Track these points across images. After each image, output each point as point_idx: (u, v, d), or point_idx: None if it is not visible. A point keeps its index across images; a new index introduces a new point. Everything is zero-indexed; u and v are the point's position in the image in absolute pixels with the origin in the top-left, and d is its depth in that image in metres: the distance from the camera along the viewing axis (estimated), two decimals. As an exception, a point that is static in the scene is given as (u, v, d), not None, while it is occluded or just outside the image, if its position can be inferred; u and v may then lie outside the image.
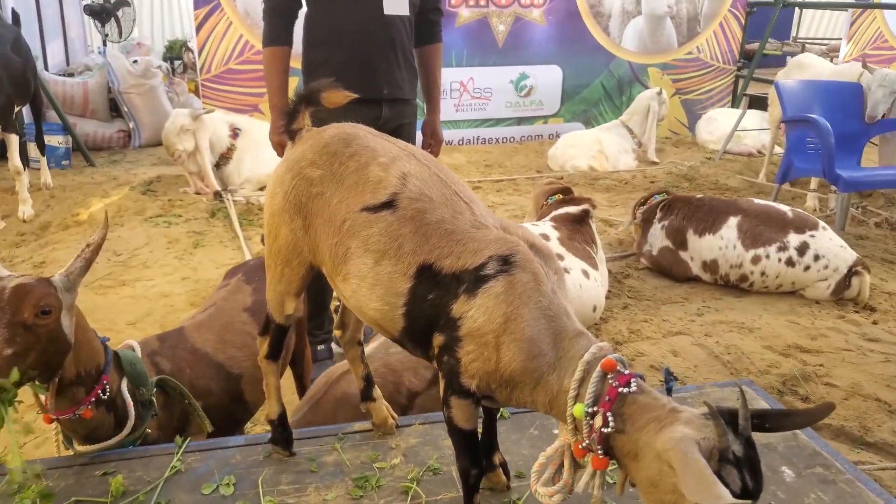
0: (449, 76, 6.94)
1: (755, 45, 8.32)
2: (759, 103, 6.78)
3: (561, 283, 1.20)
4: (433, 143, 2.86)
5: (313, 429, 1.69)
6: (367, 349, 1.88)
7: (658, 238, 4.01)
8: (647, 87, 7.19)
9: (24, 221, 4.95)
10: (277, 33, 2.58)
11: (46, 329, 1.36)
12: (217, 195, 5.47)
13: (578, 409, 1.08)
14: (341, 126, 1.38)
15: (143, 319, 3.53)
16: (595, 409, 1.07)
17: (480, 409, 1.31)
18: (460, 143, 7.19)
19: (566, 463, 1.15)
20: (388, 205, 1.21)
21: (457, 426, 1.21)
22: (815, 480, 1.51)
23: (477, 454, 1.25)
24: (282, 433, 1.56)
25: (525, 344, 1.12)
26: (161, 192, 5.69)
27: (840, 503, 1.44)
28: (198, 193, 5.57)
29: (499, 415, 1.68)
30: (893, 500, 1.44)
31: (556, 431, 1.68)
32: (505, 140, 7.33)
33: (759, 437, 1.68)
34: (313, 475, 1.51)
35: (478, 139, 7.27)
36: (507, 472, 1.48)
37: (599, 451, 1.08)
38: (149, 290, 3.86)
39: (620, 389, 1.07)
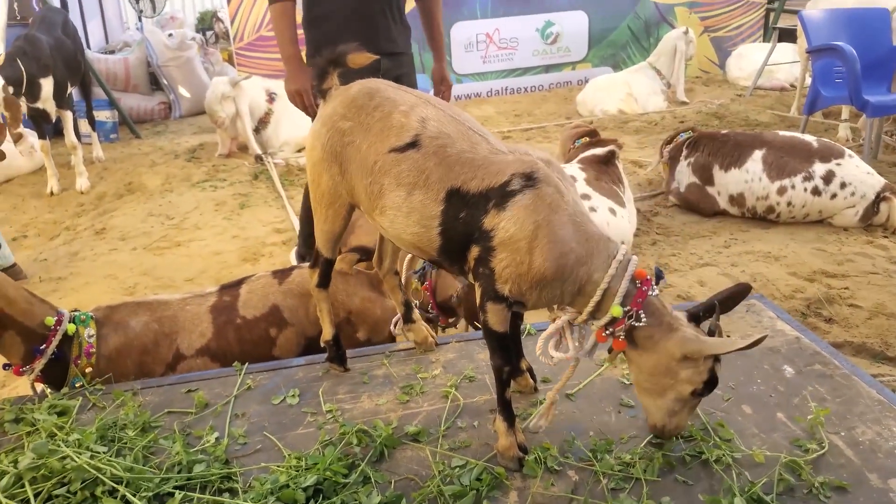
0: (475, 28, 6.98)
1: (789, -25, 8.05)
2: (789, 36, 6.62)
3: (576, 193, 1.39)
4: (443, 89, 3.01)
5: (364, 349, 1.92)
6: None
7: (685, 175, 4.09)
8: (674, 28, 7.10)
9: (82, 193, 5.30)
10: None
11: None
12: (258, 159, 5.72)
13: (617, 310, 1.31)
14: (364, 82, 1.56)
15: (199, 276, 3.81)
16: (629, 308, 1.31)
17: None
18: (489, 94, 7.26)
19: (567, 335, 1.41)
20: (413, 145, 1.40)
21: (491, 329, 1.40)
22: (814, 376, 1.67)
23: (509, 353, 1.44)
24: (337, 352, 1.79)
25: (557, 244, 1.30)
26: (205, 158, 5.97)
27: (835, 393, 1.60)
28: (228, 155, 5.86)
29: (525, 332, 1.89)
30: (885, 388, 1.59)
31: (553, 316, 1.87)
32: (533, 89, 7.37)
33: (764, 343, 1.84)
34: (366, 385, 1.74)
35: (506, 90, 7.32)
36: (533, 377, 1.68)
37: (621, 337, 1.33)
38: (202, 249, 4.15)
39: (649, 294, 1.31)
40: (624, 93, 6.27)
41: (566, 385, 1.69)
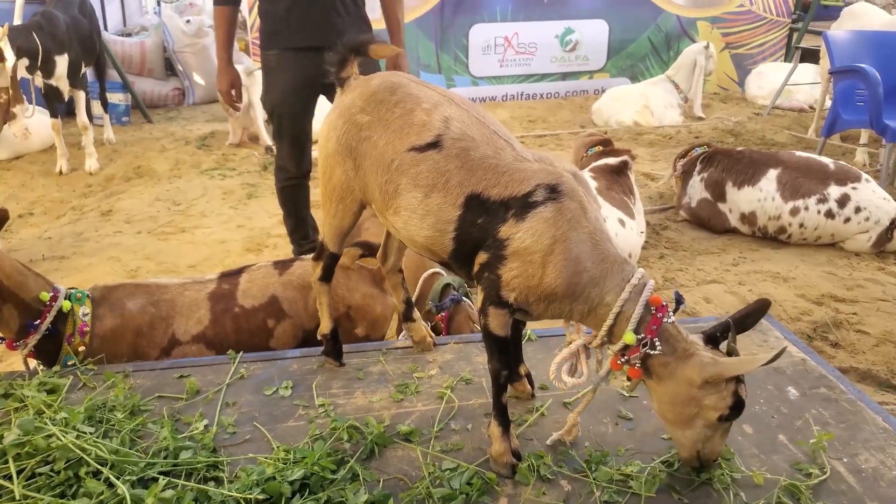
0: (493, 31, 6.96)
1: (814, -4, 8.00)
2: (812, 57, 6.57)
3: (599, 210, 1.35)
4: None
5: (360, 344, 1.89)
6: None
7: (697, 190, 4.05)
8: (695, 42, 7.05)
9: (91, 174, 5.29)
10: None
11: None
12: (268, 150, 5.70)
13: (630, 337, 1.26)
14: (386, 75, 1.51)
15: (202, 263, 3.80)
16: (643, 336, 1.26)
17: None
18: (504, 98, 7.23)
19: (582, 359, 1.37)
20: (434, 145, 1.36)
21: (492, 332, 1.36)
22: (818, 399, 1.63)
23: (507, 358, 1.41)
24: (333, 346, 1.76)
25: (571, 262, 1.26)
26: (215, 146, 5.97)
27: (839, 418, 1.56)
28: (238, 145, 5.85)
29: (525, 338, 1.85)
30: (891, 416, 1.55)
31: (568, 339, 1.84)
32: (549, 95, 7.33)
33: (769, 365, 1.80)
34: (360, 382, 1.71)
35: (522, 95, 7.29)
36: (531, 383, 1.64)
37: (637, 365, 1.29)
38: (207, 237, 4.13)
39: (664, 321, 1.27)
40: (640, 104, 6.22)
41: (564, 392, 1.66)
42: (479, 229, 1.33)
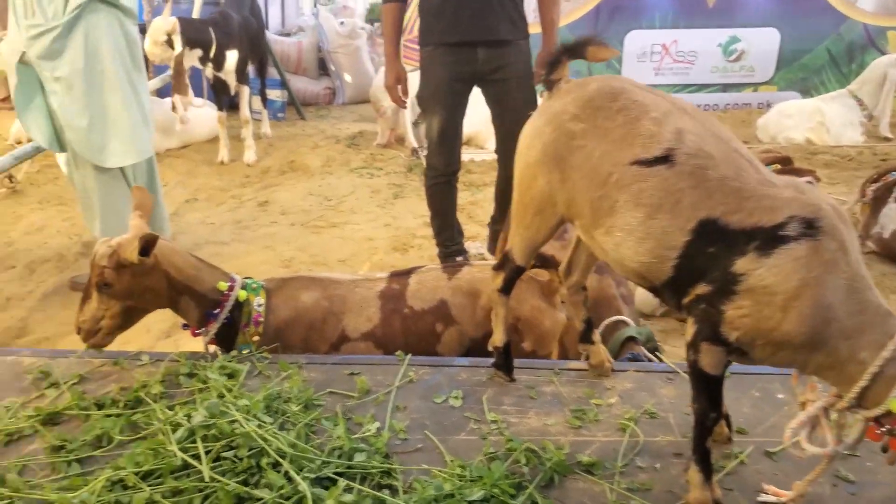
0: (651, 38, 6.66)
1: None
2: None
3: (861, 253, 1.16)
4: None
5: (531, 360, 1.78)
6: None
7: (892, 219, 3.56)
8: (884, 54, 6.32)
9: (248, 165, 5.63)
10: None
11: None
12: (414, 152, 5.77)
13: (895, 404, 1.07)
14: (606, 80, 1.37)
15: (350, 258, 3.87)
16: None
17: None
18: (657, 109, 6.88)
19: (823, 423, 1.17)
20: (664, 159, 1.20)
21: (702, 370, 1.21)
22: None
23: (718, 399, 1.24)
24: (505, 360, 1.66)
25: (820, 311, 1.09)
26: (363, 146, 6.14)
27: None
28: (385, 146, 5.97)
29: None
30: None
31: (780, 396, 1.62)
32: (708, 107, 6.87)
33: None
34: (533, 401, 1.60)
35: (676, 105, 6.90)
36: (729, 426, 1.45)
37: None
38: (355, 233, 4.22)
39: None
40: (815, 121, 5.65)
41: (767, 440, 1.45)
42: (707, 259, 1.16)
